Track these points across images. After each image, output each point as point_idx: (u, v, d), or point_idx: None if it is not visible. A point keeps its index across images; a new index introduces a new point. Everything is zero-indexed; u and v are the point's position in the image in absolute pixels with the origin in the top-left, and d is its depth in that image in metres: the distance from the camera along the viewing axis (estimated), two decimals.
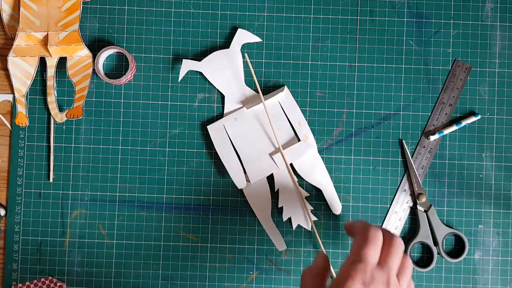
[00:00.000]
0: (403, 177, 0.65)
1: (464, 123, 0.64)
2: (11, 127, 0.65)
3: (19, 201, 0.64)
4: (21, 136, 0.64)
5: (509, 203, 0.65)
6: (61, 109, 0.64)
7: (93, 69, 0.64)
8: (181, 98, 0.65)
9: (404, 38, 0.65)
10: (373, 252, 0.48)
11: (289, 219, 0.64)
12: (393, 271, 0.48)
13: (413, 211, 0.65)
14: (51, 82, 0.63)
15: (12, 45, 0.63)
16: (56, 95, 0.64)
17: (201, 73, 0.65)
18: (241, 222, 0.64)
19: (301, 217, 0.64)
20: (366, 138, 0.65)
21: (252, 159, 0.64)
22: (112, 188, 0.64)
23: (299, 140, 0.65)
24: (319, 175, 0.64)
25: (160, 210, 0.64)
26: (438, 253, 0.64)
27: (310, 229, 0.64)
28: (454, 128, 0.64)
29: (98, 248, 0.64)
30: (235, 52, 0.64)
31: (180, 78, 0.65)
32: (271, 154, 0.64)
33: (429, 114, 0.65)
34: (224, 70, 0.64)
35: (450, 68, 0.65)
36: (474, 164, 0.65)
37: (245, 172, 0.64)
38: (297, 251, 0.64)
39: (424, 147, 0.65)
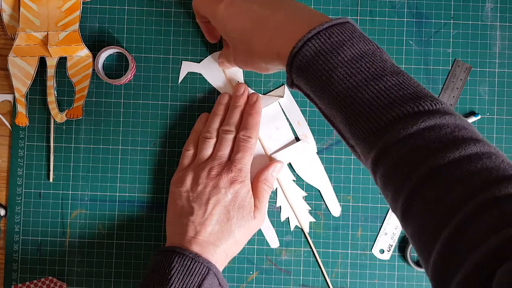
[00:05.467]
0: None
1: None
2: (11, 127, 0.65)
3: (19, 201, 0.64)
4: (21, 136, 0.64)
5: None
6: (61, 109, 0.64)
7: (93, 69, 0.64)
8: (181, 98, 0.65)
9: (404, 38, 0.65)
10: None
11: (288, 219, 0.64)
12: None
13: None
14: (51, 82, 0.63)
15: (12, 45, 0.63)
16: (56, 95, 0.64)
17: (201, 74, 0.65)
18: None
19: (299, 217, 0.64)
20: None
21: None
22: (112, 188, 0.64)
23: (298, 139, 0.65)
24: (317, 176, 0.64)
25: (160, 210, 0.64)
26: None
27: (307, 231, 0.64)
28: None
29: (98, 248, 0.64)
30: None
31: (180, 80, 0.65)
32: (270, 154, 0.64)
33: None
34: (224, 70, 0.64)
35: (450, 68, 0.65)
36: None
37: None
38: (297, 251, 0.64)
39: None
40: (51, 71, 0.63)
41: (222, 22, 0.54)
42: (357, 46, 0.45)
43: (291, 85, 0.49)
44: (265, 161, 0.63)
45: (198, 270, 0.54)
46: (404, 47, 0.65)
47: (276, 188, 0.64)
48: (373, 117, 0.42)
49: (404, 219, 0.41)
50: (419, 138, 0.40)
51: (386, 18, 0.65)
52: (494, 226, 0.35)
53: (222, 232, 0.57)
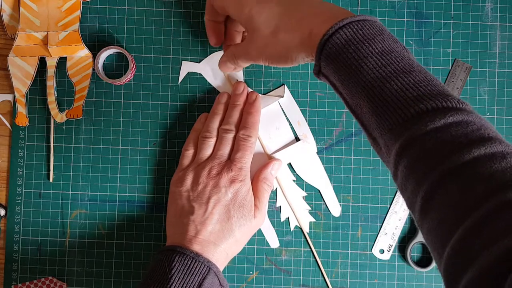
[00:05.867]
0: None
1: None
2: (11, 127, 0.65)
3: (19, 201, 0.64)
4: (21, 136, 0.64)
5: None
6: (61, 109, 0.64)
7: (93, 69, 0.64)
8: (181, 98, 0.65)
9: (404, 38, 0.65)
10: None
11: (288, 219, 0.64)
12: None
13: None
14: (51, 82, 0.63)
15: (12, 45, 0.63)
16: (56, 95, 0.64)
17: (201, 74, 0.65)
18: None
19: (299, 217, 0.64)
20: (366, 138, 0.65)
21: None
22: (112, 188, 0.64)
23: (298, 139, 0.65)
24: (317, 176, 0.64)
25: (160, 210, 0.64)
26: None
27: (307, 231, 0.64)
28: None
29: (98, 248, 0.64)
30: None
31: (180, 80, 0.65)
32: (270, 153, 0.64)
33: None
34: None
35: (450, 68, 0.65)
36: None
37: None
38: (297, 251, 0.64)
39: None
40: (51, 71, 0.63)
41: (248, 5, 0.53)
42: (387, 42, 0.46)
43: (318, 73, 0.49)
44: (265, 160, 0.64)
45: (198, 270, 0.54)
46: None
47: (276, 188, 0.64)
48: (401, 108, 0.42)
49: (422, 212, 0.41)
50: (446, 132, 0.40)
51: (386, 18, 0.65)
52: None
53: (223, 231, 0.57)
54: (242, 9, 0.54)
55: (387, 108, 0.43)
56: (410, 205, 0.43)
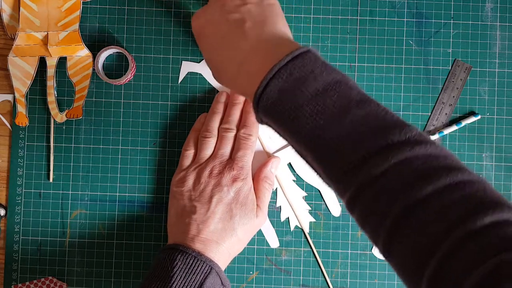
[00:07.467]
0: None
1: (464, 123, 0.64)
2: (11, 127, 0.65)
3: (19, 201, 0.64)
4: (21, 136, 0.64)
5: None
6: (61, 109, 0.64)
7: (93, 69, 0.64)
8: (181, 98, 0.65)
9: (404, 38, 0.65)
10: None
11: (288, 219, 0.65)
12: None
13: None
14: (51, 82, 0.63)
15: (12, 45, 0.63)
16: (56, 95, 0.64)
17: (201, 74, 0.65)
18: None
19: (299, 217, 0.64)
20: None
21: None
22: (112, 188, 0.64)
23: None
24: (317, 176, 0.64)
25: (160, 210, 0.64)
26: None
27: (307, 231, 0.64)
28: (454, 128, 0.64)
29: (98, 248, 0.64)
30: None
31: (180, 80, 0.65)
32: (270, 153, 0.64)
33: (429, 114, 0.65)
34: None
35: (450, 68, 0.65)
36: (474, 164, 0.65)
37: None
38: (297, 251, 0.64)
39: None
40: (51, 71, 0.63)
41: (203, 51, 0.56)
42: (320, 79, 0.44)
43: (261, 122, 0.48)
44: (265, 158, 0.64)
45: (200, 269, 0.54)
46: (404, 47, 0.65)
47: (276, 188, 0.64)
48: (343, 157, 0.42)
49: (386, 258, 0.42)
50: (390, 176, 0.40)
51: (386, 18, 0.65)
52: (473, 261, 0.35)
53: (225, 230, 0.57)
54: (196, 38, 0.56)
55: (329, 159, 0.42)
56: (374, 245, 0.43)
